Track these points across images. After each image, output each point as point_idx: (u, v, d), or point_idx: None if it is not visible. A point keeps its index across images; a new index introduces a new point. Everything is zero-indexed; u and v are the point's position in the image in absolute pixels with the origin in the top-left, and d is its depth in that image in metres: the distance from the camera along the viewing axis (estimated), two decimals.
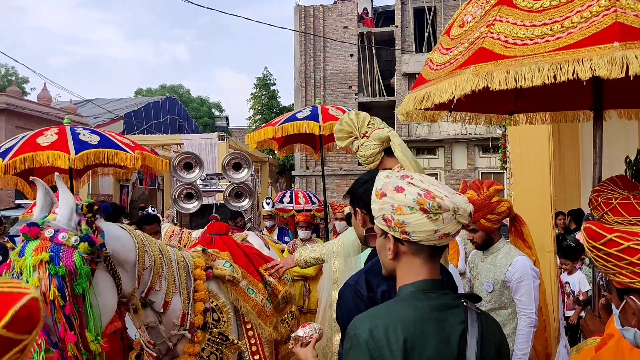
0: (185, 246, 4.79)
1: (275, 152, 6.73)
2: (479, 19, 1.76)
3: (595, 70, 1.43)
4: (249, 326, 2.66)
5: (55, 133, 4.33)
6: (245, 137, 6.20)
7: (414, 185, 1.35)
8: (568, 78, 1.43)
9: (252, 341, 2.65)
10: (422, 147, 22.31)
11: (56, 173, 2.18)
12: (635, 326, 1.18)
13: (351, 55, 22.89)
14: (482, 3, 1.76)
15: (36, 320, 0.68)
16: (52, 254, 1.69)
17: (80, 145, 4.23)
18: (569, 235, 5.29)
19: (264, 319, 2.72)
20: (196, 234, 5.90)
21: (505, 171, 11.50)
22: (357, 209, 1.91)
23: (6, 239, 6.69)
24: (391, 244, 1.39)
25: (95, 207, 1.92)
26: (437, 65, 1.91)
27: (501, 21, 1.64)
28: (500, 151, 11.77)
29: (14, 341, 0.65)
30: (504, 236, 3.37)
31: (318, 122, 5.40)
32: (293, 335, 1.98)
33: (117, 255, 1.95)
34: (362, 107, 22.39)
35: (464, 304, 1.36)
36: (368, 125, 2.48)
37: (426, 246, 1.35)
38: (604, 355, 1.63)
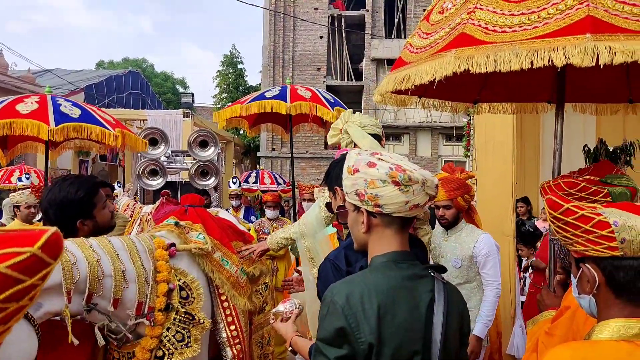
0: (134, 220, 4.72)
1: (241, 131, 6.69)
2: (459, 6, 1.85)
3: (569, 58, 1.54)
4: (224, 297, 2.66)
5: (36, 102, 4.13)
6: (214, 114, 6.14)
7: (384, 160, 1.43)
8: (544, 64, 1.54)
9: (228, 312, 2.65)
10: (388, 133, 22.55)
11: None
12: (589, 293, 1.28)
13: (321, 37, 22.78)
14: None
15: (61, 247, 0.74)
16: None
17: (61, 117, 4.05)
18: (528, 221, 5.54)
19: (239, 290, 2.73)
20: (146, 208, 5.86)
21: (468, 159, 11.83)
22: (336, 188, 1.98)
23: None
24: (364, 217, 1.47)
25: None
26: (417, 49, 1.99)
27: (481, 9, 1.74)
28: (464, 139, 12.08)
29: (44, 263, 0.72)
30: None
31: (286, 101, 5.40)
32: (273, 311, 2.02)
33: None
34: (330, 90, 22.37)
35: (432, 274, 1.46)
36: (347, 119, 2.82)
37: (397, 218, 1.44)
38: (561, 324, 1.75)
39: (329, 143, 2.95)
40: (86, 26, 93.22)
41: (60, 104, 4.24)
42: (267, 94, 5.56)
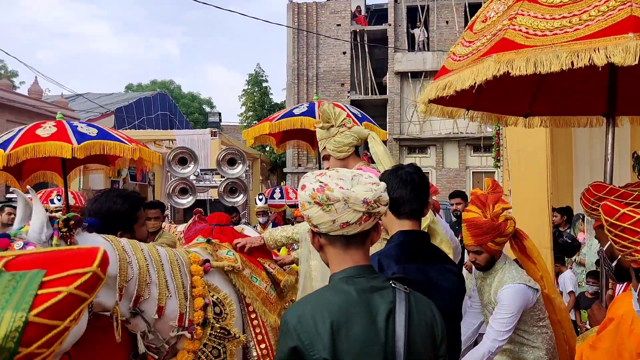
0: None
1: (267, 148, 6.78)
2: (501, 14, 1.84)
3: (610, 57, 1.50)
4: (253, 315, 2.67)
5: (53, 126, 4.34)
6: (242, 132, 6.26)
7: (319, 182, 1.42)
8: (585, 65, 1.51)
9: (257, 330, 2.66)
10: (414, 146, 22.45)
11: (28, 186, 2.17)
12: None
13: (344, 52, 22.93)
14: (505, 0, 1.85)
15: (108, 264, 0.81)
16: None
17: (81, 137, 4.27)
18: (564, 232, 5.39)
19: (269, 306, 2.74)
20: (181, 227, 5.97)
21: (497, 169, 11.63)
22: None
23: None
24: (311, 236, 1.50)
25: (72, 222, 1.86)
26: (459, 57, 1.99)
27: (523, 15, 1.73)
28: (493, 150, 11.90)
29: (101, 280, 0.79)
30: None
31: (314, 117, 5.44)
32: None
33: None
34: (355, 104, 22.44)
35: (392, 285, 1.43)
36: (343, 120, 2.78)
37: (338, 236, 1.42)
38: (604, 337, 1.69)
39: (318, 134, 2.79)
40: (115, 51, 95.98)
41: (76, 126, 4.50)
42: (296, 111, 5.62)
